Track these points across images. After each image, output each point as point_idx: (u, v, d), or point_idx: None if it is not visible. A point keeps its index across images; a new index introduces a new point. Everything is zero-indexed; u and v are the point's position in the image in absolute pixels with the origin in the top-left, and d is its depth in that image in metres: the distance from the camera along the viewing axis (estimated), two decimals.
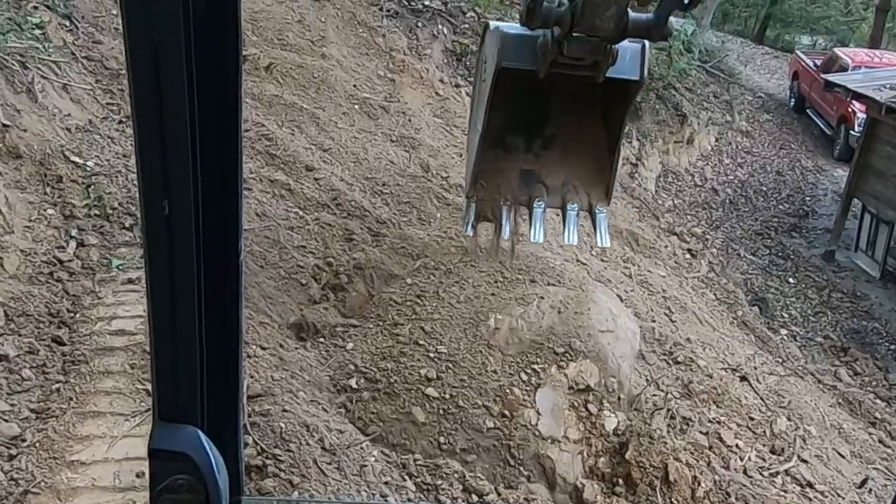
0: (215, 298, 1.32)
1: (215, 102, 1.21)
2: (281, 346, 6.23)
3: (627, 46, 5.82)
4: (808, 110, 22.67)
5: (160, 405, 1.36)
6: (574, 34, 5.51)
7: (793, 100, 23.38)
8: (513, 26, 6.16)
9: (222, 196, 1.28)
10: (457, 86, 14.18)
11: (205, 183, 1.22)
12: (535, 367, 6.20)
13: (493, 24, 6.74)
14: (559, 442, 5.96)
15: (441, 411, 5.97)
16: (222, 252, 1.31)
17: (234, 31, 1.20)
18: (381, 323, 6.48)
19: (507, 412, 6.03)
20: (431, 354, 6.12)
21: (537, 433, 5.97)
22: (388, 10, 14.05)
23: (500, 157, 6.91)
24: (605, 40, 5.61)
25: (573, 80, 6.13)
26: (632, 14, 5.40)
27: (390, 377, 6.06)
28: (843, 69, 20.02)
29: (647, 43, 5.85)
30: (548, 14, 5.48)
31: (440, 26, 14.71)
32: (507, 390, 6.06)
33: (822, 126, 21.68)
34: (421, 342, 6.20)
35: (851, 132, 19.13)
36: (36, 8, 9.21)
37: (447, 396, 6.01)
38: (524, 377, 6.14)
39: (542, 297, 6.57)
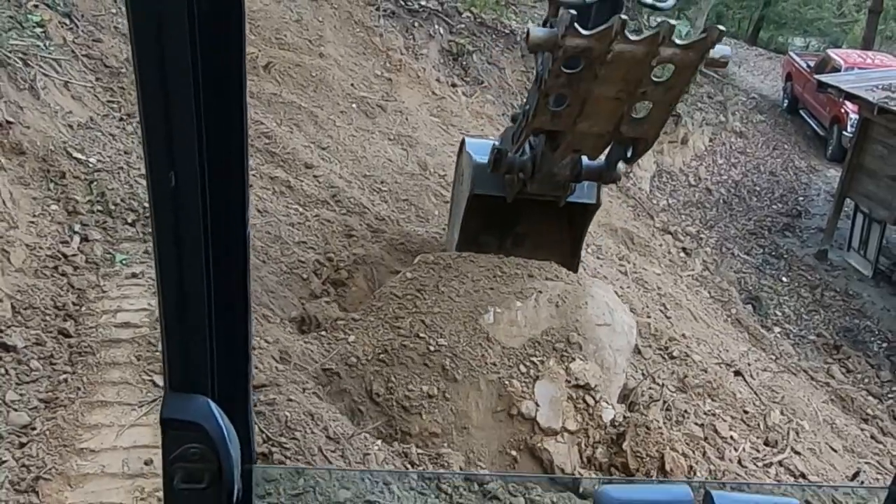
0: (224, 267, 1.33)
1: (220, 73, 1.21)
2: (284, 338, 6.32)
3: None
4: (801, 111, 22.82)
5: (171, 375, 1.37)
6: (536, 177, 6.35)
7: (786, 101, 23.52)
8: (486, 147, 6.83)
9: (229, 166, 1.28)
10: (453, 85, 14.28)
11: (211, 153, 1.23)
12: (534, 359, 6.29)
13: (468, 141, 7.51)
14: (557, 433, 6.06)
15: (442, 403, 6.06)
16: (230, 223, 1.32)
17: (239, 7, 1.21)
18: (381, 316, 6.56)
19: (506, 404, 6.12)
20: (432, 347, 6.22)
21: (536, 424, 6.06)
22: (384, 10, 14.15)
23: None
24: (563, 181, 6.42)
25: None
26: (585, 161, 6.16)
27: (392, 368, 6.15)
28: (836, 70, 20.16)
29: None
30: (511, 163, 6.47)
31: (436, 26, 14.80)
32: (507, 382, 6.15)
33: (815, 126, 21.82)
34: (421, 335, 6.29)
35: (844, 132, 19.26)
36: (36, 6, 9.26)
37: (448, 388, 6.10)
38: (523, 369, 6.23)
39: (540, 292, 6.66)
